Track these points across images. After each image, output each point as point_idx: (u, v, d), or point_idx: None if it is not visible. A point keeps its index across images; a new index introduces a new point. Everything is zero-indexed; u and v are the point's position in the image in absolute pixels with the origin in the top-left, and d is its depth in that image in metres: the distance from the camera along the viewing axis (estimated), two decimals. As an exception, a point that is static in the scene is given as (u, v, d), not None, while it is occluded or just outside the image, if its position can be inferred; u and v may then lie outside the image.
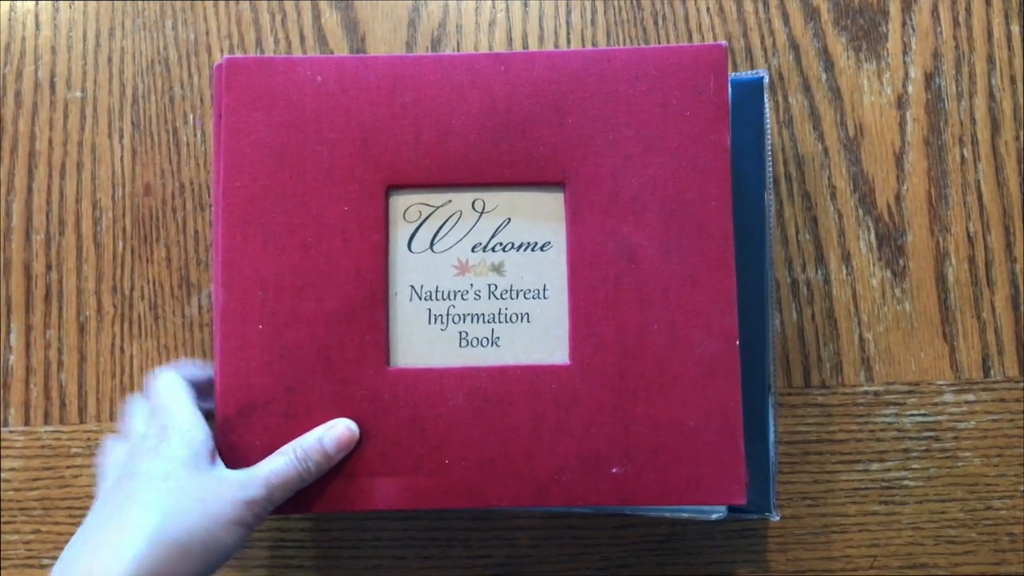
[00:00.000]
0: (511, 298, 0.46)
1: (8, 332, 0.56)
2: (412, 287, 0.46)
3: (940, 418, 0.53)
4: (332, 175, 0.45)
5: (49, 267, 0.56)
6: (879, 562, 0.52)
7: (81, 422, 0.55)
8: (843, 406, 0.53)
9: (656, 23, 0.57)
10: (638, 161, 0.45)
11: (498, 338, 0.45)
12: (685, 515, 0.47)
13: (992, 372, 0.53)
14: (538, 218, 0.46)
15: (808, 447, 0.53)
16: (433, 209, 0.46)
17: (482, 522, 0.53)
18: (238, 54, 0.58)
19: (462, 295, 0.46)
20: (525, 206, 0.46)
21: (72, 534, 0.54)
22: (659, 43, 0.57)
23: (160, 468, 0.40)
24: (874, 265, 0.54)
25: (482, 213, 0.46)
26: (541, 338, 0.45)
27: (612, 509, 0.47)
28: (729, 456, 0.44)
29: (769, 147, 0.51)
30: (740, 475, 0.44)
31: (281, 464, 0.42)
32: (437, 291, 0.46)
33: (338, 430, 0.43)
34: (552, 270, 0.46)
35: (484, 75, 0.46)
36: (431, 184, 0.46)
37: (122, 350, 0.56)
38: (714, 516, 0.47)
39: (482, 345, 0.45)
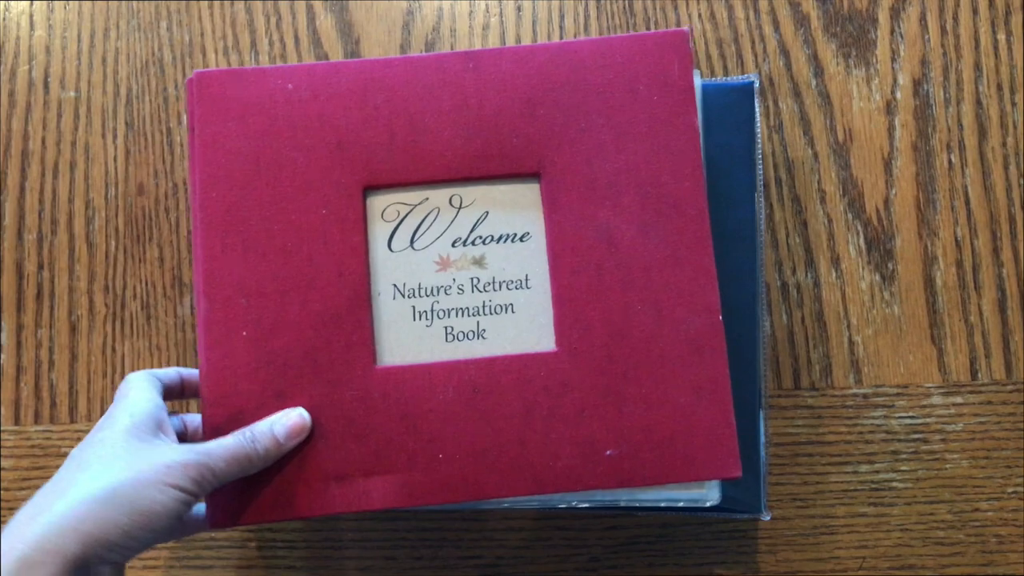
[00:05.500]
0: (494, 290, 0.46)
1: (-1, 331, 0.56)
2: (395, 286, 0.46)
3: (928, 420, 0.53)
4: (309, 180, 0.46)
5: (41, 266, 0.56)
6: (868, 563, 0.52)
7: (72, 421, 0.55)
8: (832, 408, 0.54)
9: (648, 28, 0.57)
10: (611, 147, 0.46)
11: (484, 330, 0.45)
12: (681, 503, 0.46)
13: (979, 375, 0.54)
14: (516, 210, 0.46)
15: (798, 449, 0.53)
16: (411, 208, 0.46)
17: (473, 523, 0.53)
18: (232, 56, 0.58)
19: (445, 290, 0.46)
20: (502, 199, 0.46)
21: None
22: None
23: (104, 435, 0.41)
24: (863, 269, 0.55)
25: (460, 208, 0.46)
26: (527, 327, 0.45)
27: (608, 502, 0.46)
28: (721, 430, 0.44)
29: (759, 151, 0.52)
30: (733, 448, 0.44)
31: (228, 439, 0.42)
32: (420, 288, 0.46)
33: (290, 417, 0.44)
34: (533, 260, 0.46)
35: (453, 73, 0.46)
36: (407, 183, 0.46)
37: (114, 349, 0.56)
38: (708, 503, 0.46)
39: (468, 339, 0.45)
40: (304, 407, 0.44)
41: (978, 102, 0.56)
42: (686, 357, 0.44)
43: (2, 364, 0.56)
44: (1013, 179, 0.55)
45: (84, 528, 0.37)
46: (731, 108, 0.51)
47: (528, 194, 0.46)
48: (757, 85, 0.52)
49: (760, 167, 0.51)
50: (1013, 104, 0.56)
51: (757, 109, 0.52)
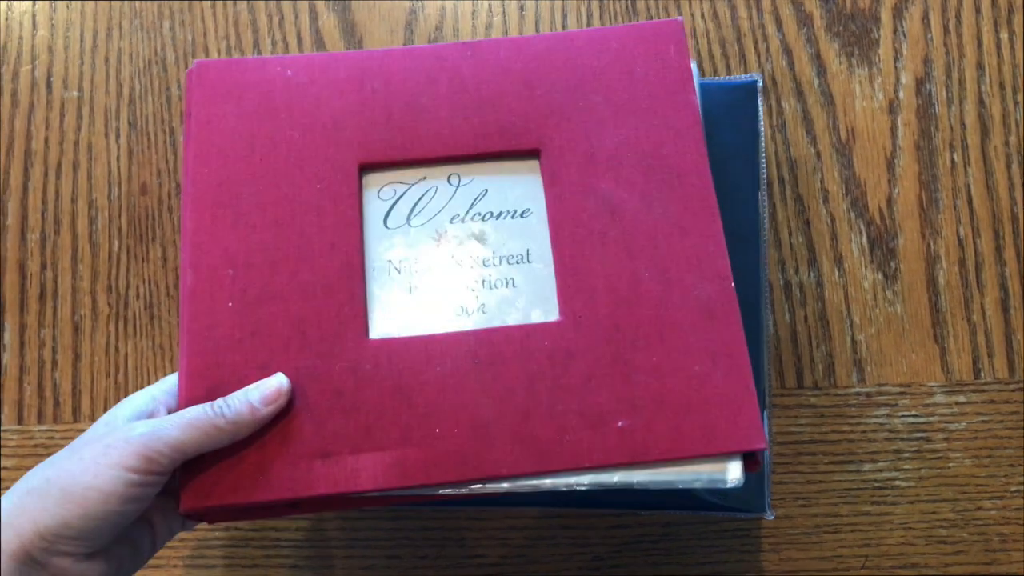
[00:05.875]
0: (494, 265, 0.45)
1: (2, 330, 0.56)
2: (390, 261, 0.45)
3: (931, 419, 0.53)
4: (304, 157, 0.45)
5: (44, 266, 0.56)
6: (871, 562, 0.53)
7: (75, 421, 0.55)
8: (835, 407, 0.54)
9: (651, 27, 0.58)
10: (610, 122, 0.45)
11: (483, 304, 0.44)
12: (700, 483, 0.42)
13: (982, 374, 0.54)
14: (516, 187, 0.46)
15: (801, 447, 0.53)
16: (408, 186, 0.46)
17: (476, 521, 0.53)
18: (234, 55, 0.58)
19: (443, 266, 0.45)
20: (502, 176, 0.46)
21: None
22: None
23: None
24: (866, 268, 0.55)
25: (458, 187, 0.46)
26: (528, 301, 0.44)
27: (620, 484, 0.42)
28: (741, 399, 0.41)
29: (763, 150, 0.52)
30: (755, 418, 0.41)
31: (190, 409, 0.40)
32: (417, 263, 0.45)
33: (268, 383, 0.41)
34: (534, 234, 0.45)
35: (452, 61, 0.47)
36: (404, 161, 0.45)
37: (117, 349, 0.56)
38: (730, 483, 0.41)
39: (467, 313, 0.44)
40: (289, 379, 0.41)
41: (981, 101, 0.56)
42: (698, 324, 0.42)
43: (5, 364, 0.56)
44: (1016, 178, 0.56)
45: (19, 521, 0.37)
46: (734, 107, 0.51)
47: (528, 171, 0.46)
48: (760, 84, 0.52)
49: (763, 166, 0.51)
50: (1015, 103, 0.56)
51: (760, 107, 0.52)
